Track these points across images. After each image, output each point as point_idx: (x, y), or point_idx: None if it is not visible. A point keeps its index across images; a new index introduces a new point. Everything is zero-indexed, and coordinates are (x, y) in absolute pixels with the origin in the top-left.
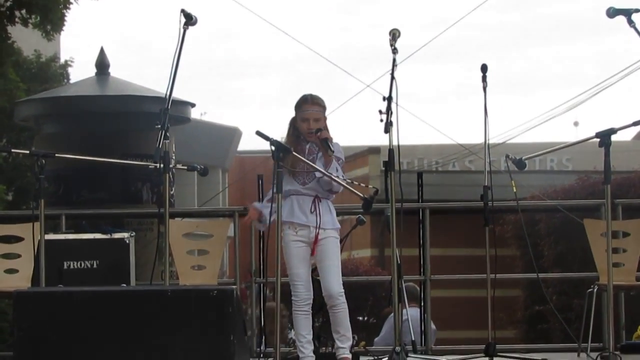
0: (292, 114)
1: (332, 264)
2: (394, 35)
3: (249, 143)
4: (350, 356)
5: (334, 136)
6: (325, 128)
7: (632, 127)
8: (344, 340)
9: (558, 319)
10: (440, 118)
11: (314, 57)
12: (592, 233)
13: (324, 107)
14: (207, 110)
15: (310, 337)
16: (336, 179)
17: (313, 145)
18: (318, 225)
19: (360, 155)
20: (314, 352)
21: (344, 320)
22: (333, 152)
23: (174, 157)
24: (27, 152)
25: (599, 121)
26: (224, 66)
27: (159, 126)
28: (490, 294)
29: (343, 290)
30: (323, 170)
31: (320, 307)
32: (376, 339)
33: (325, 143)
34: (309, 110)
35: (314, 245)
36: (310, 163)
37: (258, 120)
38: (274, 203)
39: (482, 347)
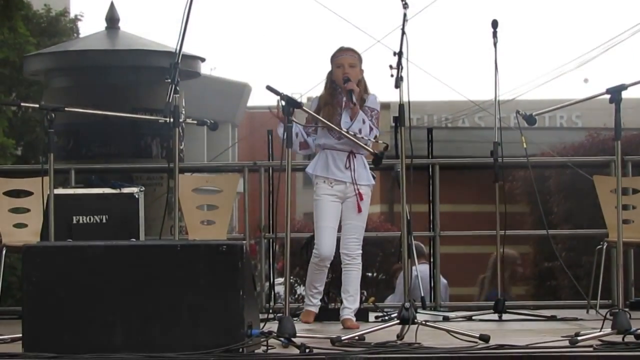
0: (301, 68)
1: (357, 225)
2: None
3: (258, 98)
4: (354, 318)
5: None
6: (363, 80)
7: None
8: (351, 301)
9: (567, 275)
10: (449, 74)
11: (323, 11)
12: (602, 190)
13: (359, 56)
14: (216, 65)
15: (322, 289)
16: (345, 132)
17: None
18: (355, 182)
19: None
20: (323, 308)
21: (355, 281)
22: (355, 104)
23: (183, 112)
24: (37, 105)
25: (608, 78)
26: (233, 21)
27: (169, 80)
28: (500, 251)
29: (361, 252)
30: (334, 126)
31: (331, 262)
32: (389, 297)
33: (349, 94)
34: (344, 55)
35: (358, 202)
36: (324, 120)
37: (267, 75)
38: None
39: (492, 303)
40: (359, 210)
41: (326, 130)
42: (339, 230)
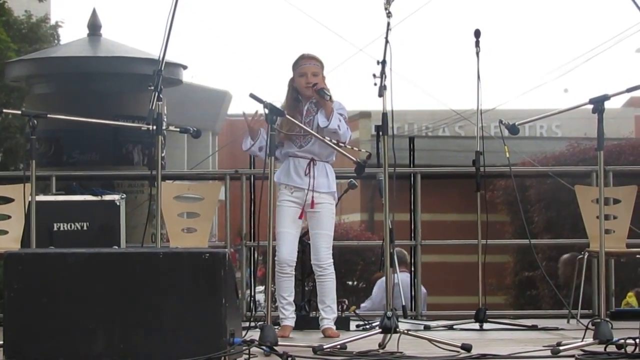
0: (282, 77)
1: (324, 233)
2: None
3: (239, 106)
4: (334, 327)
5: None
6: (326, 87)
7: (623, 95)
8: (329, 312)
9: (547, 285)
10: (430, 82)
11: (306, 20)
12: (583, 199)
13: (322, 64)
14: (197, 73)
15: (292, 298)
16: (327, 141)
17: (312, 105)
18: (312, 188)
19: (351, 120)
20: (304, 316)
21: (330, 291)
22: (330, 96)
23: (165, 119)
24: (19, 112)
25: (588, 88)
26: (213, 28)
27: (152, 87)
28: (481, 260)
29: (332, 260)
30: (315, 133)
31: (311, 271)
32: (363, 304)
33: (321, 92)
34: (306, 64)
35: (304, 209)
36: (304, 126)
37: (248, 83)
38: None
39: (473, 312)
40: (300, 216)
41: (288, 140)
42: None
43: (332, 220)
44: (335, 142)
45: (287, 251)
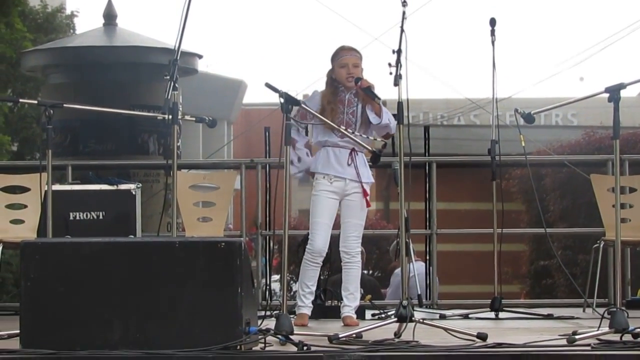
0: (298, 66)
1: (357, 222)
2: None
3: (254, 95)
4: (354, 316)
5: None
6: (372, 85)
7: (639, 83)
8: (351, 299)
9: (563, 274)
10: (445, 71)
11: (321, 8)
12: (599, 188)
13: (361, 55)
14: (212, 62)
15: (314, 288)
16: (349, 134)
17: (352, 95)
18: (359, 179)
19: None
20: (320, 305)
21: (355, 279)
22: (380, 99)
23: (181, 109)
24: (35, 102)
25: (604, 76)
26: (228, 17)
27: (168, 77)
28: (497, 249)
29: (360, 249)
30: (333, 124)
31: (327, 260)
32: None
33: (369, 91)
34: (347, 55)
35: (366, 198)
36: (321, 116)
37: (263, 72)
38: (299, 152)
39: (488, 301)
40: (368, 204)
41: (329, 130)
42: (338, 227)
43: (365, 210)
44: (367, 136)
45: (322, 241)
